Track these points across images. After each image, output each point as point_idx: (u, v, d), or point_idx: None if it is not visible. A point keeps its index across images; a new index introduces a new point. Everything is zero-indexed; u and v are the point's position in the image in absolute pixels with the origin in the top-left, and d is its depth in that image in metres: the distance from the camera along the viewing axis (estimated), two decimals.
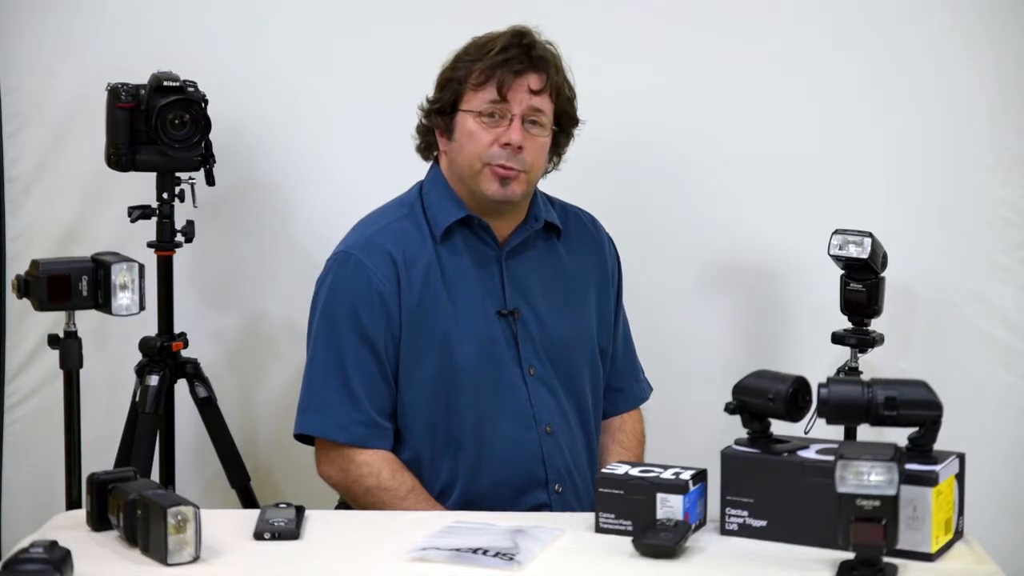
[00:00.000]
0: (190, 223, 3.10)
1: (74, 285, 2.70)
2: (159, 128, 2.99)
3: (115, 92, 3.02)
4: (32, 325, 3.27)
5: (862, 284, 3.03)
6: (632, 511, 2.16)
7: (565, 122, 2.66)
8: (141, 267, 2.76)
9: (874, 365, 3.12)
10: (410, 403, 2.57)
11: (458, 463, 2.57)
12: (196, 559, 2.03)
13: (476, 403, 2.57)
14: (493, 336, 2.60)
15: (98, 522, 2.16)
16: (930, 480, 2.04)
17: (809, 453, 2.16)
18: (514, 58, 2.56)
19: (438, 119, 2.63)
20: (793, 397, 2.18)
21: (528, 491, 2.59)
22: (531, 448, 2.59)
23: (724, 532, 2.17)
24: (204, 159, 3.08)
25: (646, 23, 3.28)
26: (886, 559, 1.97)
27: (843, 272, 3.06)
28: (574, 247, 2.73)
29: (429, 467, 2.58)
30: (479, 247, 2.63)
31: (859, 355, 3.07)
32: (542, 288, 2.66)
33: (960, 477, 2.13)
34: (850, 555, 1.97)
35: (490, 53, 2.56)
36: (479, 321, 2.59)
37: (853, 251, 2.99)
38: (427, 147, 2.70)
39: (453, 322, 2.57)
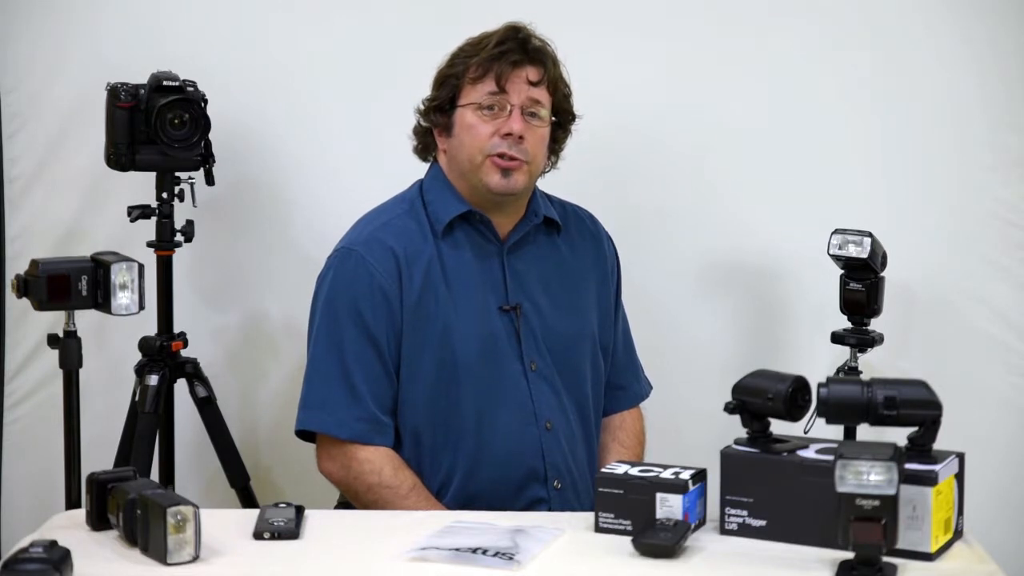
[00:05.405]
0: (190, 223, 3.10)
1: (74, 285, 2.70)
2: (159, 128, 2.99)
3: (115, 92, 3.02)
4: (32, 325, 3.27)
5: (862, 284, 3.03)
6: (632, 511, 2.16)
7: (563, 117, 2.66)
8: (141, 267, 2.76)
9: (874, 365, 3.12)
10: (411, 398, 2.57)
11: (458, 457, 2.57)
12: (196, 559, 2.03)
13: (477, 398, 2.57)
14: (495, 331, 2.60)
15: (98, 522, 2.16)
16: (930, 480, 2.04)
17: (809, 453, 2.16)
18: (511, 50, 2.57)
19: (437, 116, 2.64)
20: (793, 397, 2.18)
21: (527, 486, 2.59)
22: (531, 444, 2.59)
23: (724, 532, 2.17)
24: (204, 159, 3.07)
25: (645, 22, 3.28)
26: (886, 559, 1.97)
27: (843, 272, 3.06)
28: (574, 243, 2.73)
29: (429, 461, 2.58)
30: (480, 242, 2.63)
31: (859, 355, 3.07)
32: (543, 283, 2.66)
33: (960, 477, 2.13)
34: (850, 555, 1.97)
35: (487, 48, 2.58)
36: (481, 316, 2.59)
37: (853, 251, 2.99)
38: (424, 148, 2.70)
39: (454, 317, 2.57)
